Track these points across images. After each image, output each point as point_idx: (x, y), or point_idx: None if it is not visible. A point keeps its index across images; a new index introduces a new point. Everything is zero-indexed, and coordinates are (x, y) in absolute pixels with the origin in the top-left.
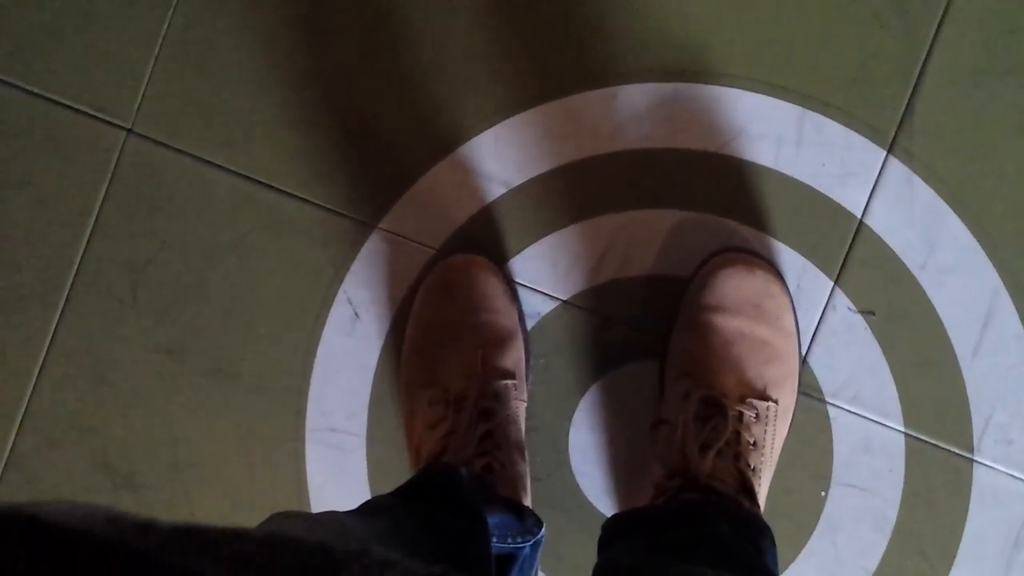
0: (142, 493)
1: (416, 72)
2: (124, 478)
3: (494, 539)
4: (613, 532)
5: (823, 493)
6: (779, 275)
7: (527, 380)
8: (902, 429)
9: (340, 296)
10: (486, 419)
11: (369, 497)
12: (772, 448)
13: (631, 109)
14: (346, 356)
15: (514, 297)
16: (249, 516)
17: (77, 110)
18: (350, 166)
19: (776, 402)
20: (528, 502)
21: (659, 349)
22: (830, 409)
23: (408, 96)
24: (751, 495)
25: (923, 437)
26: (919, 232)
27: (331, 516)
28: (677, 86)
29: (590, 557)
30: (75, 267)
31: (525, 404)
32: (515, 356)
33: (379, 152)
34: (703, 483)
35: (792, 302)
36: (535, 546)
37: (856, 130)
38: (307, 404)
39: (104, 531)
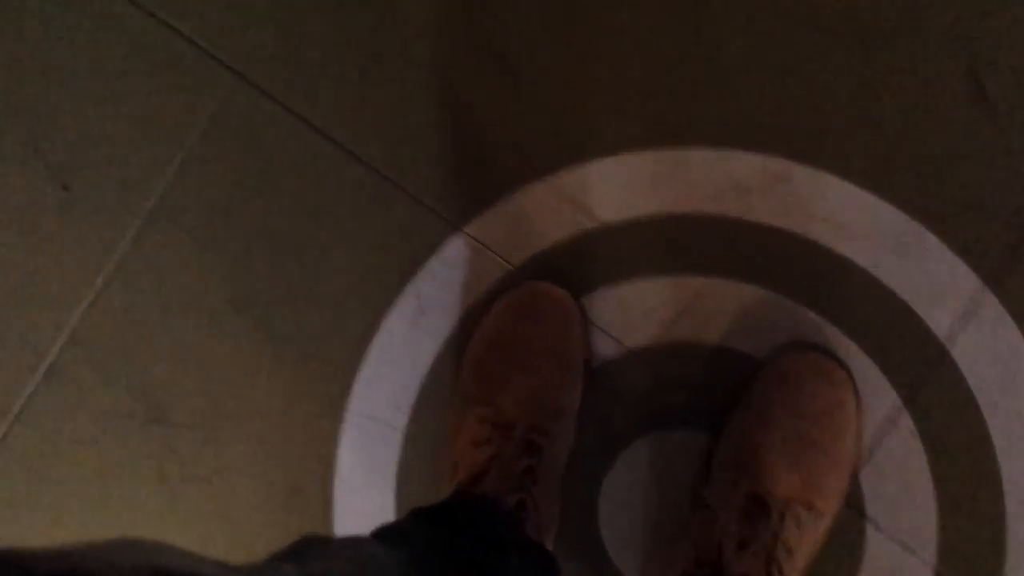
0: (172, 430)
1: (540, 84)
2: (158, 412)
3: None
4: None
5: None
6: (855, 388)
7: (576, 422)
8: (934, 566)
9: (410, 288)
10: (531, 454)
11: (393, 494)
12: (806, 556)
13: (741, 177)
14: (403, 347)
15: (588, 338)
16: (272, 481)
17: (193, 42)
18: (450, 163)
19: (822, 513)
20: (550, 547)
21: (712, 423)
22: (868, 527)
23: (526, 108)
24: None
25: None
26: (999, 372)
27: (361, 550)
28: (793, 166)
29: None
30: (157, 195)
31: (570, 448)
32: (573, 397)
33: (481, 156)
34: None
35: (861, 417)
36: None
37: (960, 255)
38: (353, 384)
39: None
